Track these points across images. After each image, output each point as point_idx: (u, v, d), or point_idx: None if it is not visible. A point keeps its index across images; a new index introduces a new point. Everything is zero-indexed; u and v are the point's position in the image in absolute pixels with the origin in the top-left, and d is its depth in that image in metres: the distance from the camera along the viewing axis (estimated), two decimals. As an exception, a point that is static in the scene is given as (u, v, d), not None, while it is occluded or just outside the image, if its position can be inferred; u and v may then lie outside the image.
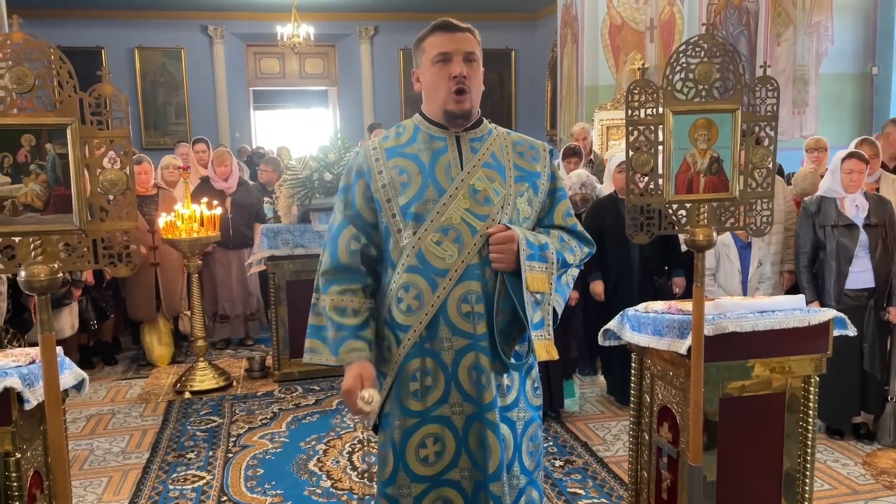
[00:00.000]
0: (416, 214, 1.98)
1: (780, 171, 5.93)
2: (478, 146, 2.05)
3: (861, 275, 4.20)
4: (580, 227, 2.19)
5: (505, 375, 2.04)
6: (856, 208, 4.18)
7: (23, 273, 1.84)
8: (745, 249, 4.61)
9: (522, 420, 2.09)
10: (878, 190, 4.65)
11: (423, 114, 2.10)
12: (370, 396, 1.89)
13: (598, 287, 4.82)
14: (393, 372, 2.03)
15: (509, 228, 1.97)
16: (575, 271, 2.21)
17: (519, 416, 2.08)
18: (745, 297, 4.05)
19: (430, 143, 2.04)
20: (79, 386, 2.46)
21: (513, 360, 2.02)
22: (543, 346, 2.00)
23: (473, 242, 1.96)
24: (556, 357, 2.02)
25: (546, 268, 2.01)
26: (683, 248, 4.71)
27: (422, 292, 1.97)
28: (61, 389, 2.13)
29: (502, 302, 1.98)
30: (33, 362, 2.27)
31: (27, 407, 2.18)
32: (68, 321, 5.31)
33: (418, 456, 2.02)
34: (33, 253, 1.86)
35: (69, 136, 1.84)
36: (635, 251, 4.74)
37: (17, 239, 1.86)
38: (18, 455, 2.19)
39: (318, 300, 2.11)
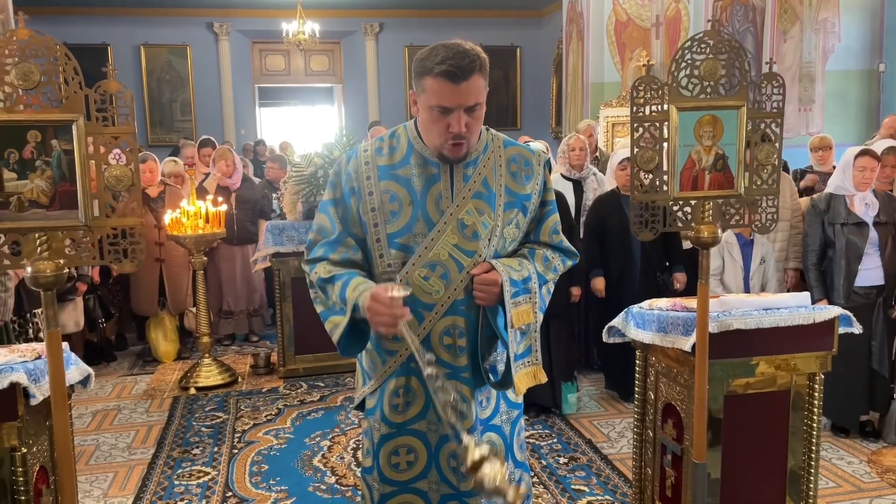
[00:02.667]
0: (402, 245, 1.99)
1: (786, 168, 5.91)
2: (470, 172, 2.01)
3: (870, 272, 4.18)
4: (566, 243, 2.18)
5: (483, 390, 2.08)
6: (865, 206, 4.17)
7: (29, 269, 1.85)
8: (747, 247, 4.60)
9: (508, 422, 2.14)
10: (892, 189, 4.63)
11: (419, 132, 2.02)
12: (399, 288, 1.82)
13: (599, 283, 4.83)
14: (378, 383, 2.07)
15: (493, 267, 1.98)
16: (556, 277, 2.20)
17: (503, 419, 2.13)
18: (749, 294, 4.04)
19: (423, 167, 2.00)
20: (84, 381, 2.47)
21: (493, 380, 2.06)
22: (531, 373, 2.03)
23: (460, 279, 1.98)
24: (545, 380, 2.06)
25: (529, 298, 2.03)
26: (686, 244, 4.70)
27: (408, 323, 1.98)
28: (67, 385, 2.13)
29: (486, 329, 2.02)
30: (39, 357, 2.27)
31: (33, 402, 2.19)
32: (72, 317, 5.30)
33: (390, 462, 2.07)
34: (39, 249, 1.87)
35: (75, 133, 1.84)
36: (637, 247, 4.74)
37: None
38: (24, 450, 2.20)
39: (316, 293, 2.10)
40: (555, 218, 2.16)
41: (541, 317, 2.09)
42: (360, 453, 4.12)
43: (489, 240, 2.00)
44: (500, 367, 2.09)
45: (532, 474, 2.30)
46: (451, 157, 1.97)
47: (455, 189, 2.00)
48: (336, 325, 2.00)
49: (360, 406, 2.18)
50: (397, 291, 1.80)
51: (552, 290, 2.19)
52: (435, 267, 1.97)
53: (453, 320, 1.98)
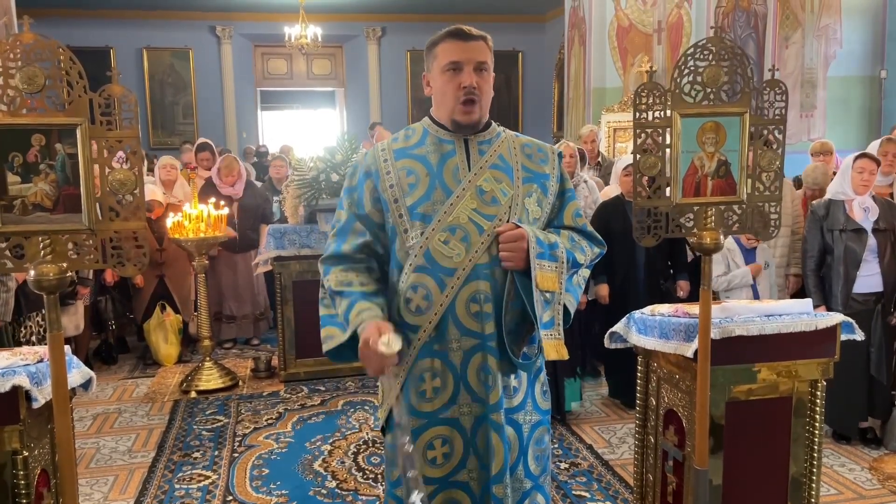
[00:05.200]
0: (423, 215, 1.98)
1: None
2: (485, 149, 2.06)
3: (869, 279, 4.18)
4: (590, 228, 2.18)
5: (512, 377, 2.03)
6: (864, 212, 4.16)
7: (32, 272, 1.85)
8: (749, 252, 4.60)
9: (529, 423, 2.08)
10: (892, 195, 4.63)
11: (433, 117, 2.11)
12: (389, 339, 1.84)
13: (603, 290, 4.81)
14: (403, 373, 2.03)
15: (518, 227, 1.97)
16: (586, 272, 2.20)
17: (525, 418, 2.07)
18: (753, 300, 4.04)
19: (438, 145, 2.05)
20: (86, 385, 2.47)
21: (521, 360, 2.01)
22: (553, 346, 1.98)
23: (481, 241, 1.96)
24: (567, 357, 1.99)
25: (556, 266, 2.00)
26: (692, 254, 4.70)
27: (430, 292, 1.97)
28: (69, 388, 2.13)
29: (512, 302, 1.97)
30: (41, 361, 2.28)
31: (35, 405, 2.19)
32: (72, 321, 5.29)
33: (426, 457, 2.01)
34: (42, 252, 1.87)
35: (79, 136, 1.84)
36: (640, 254, 4.73)
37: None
38: (26, 453, 2.20)
39: (324, 293, 2.12)
40: (576, 203, 2.18)
41: (571, 300, 2.08)
42: (361, 458, 4.11)
43: (510, 207, 2.00)
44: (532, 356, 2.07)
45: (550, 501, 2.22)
46: (465, 122, 2.01)
47: (471, 161, 2.04)
48: (332, 336, 2.05)
49: (383, 429, 2.15)
50: (386, 347, 1.83)
51: (583, 284, 2.18)
52: (455, 230, 1.96)
53: (477, 286, 1.95)
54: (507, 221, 1.99)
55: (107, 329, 5.95)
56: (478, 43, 2.01)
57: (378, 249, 2.08)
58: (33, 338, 4.49)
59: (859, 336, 2.80)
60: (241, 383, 5.53)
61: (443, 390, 2.00)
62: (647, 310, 2.90)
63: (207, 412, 4.95)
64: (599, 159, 7.03)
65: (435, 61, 2.03)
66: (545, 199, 2.09)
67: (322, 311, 2.11)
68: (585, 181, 5.65)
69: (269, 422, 4.75)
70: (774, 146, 2.41)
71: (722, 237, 2.41)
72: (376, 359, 1.86)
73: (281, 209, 6.51)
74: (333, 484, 3.83)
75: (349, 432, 4.52)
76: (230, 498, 3.72)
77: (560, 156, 2.17)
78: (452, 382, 1.99)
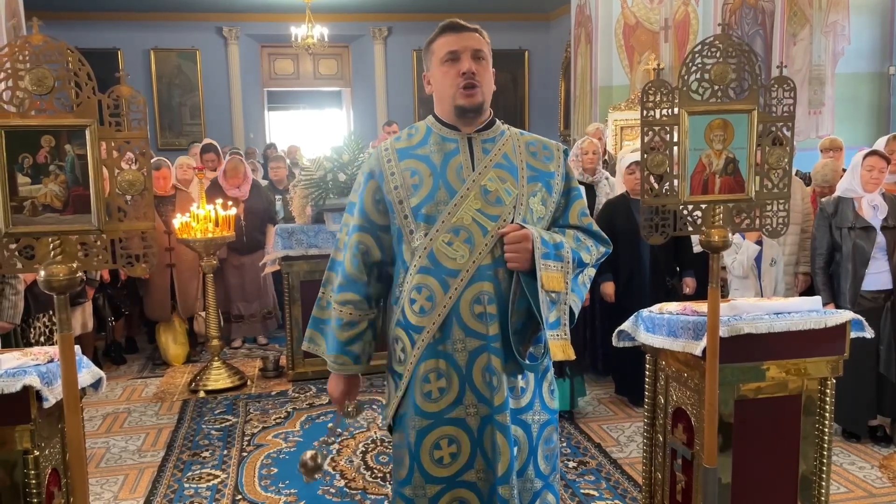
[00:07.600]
0: (427, 216, 1.99)
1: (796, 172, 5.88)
2: (490, 147, 2.05)
3: (878, 276, 4.16)
4: (596, 227, 2.18)
5: (519, 377, 2.03)
6: (873, 209, 4.15)
7: (42, 273, 1.85)
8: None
9: (538, 423, 2.08)
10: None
11: (436, 116, 2.11)
12: (354, 410, 2.24)
13: (608, 288, 4.80)
14: (408, 373, 2.03)
15: (523, 227, 1.96)
16: (592, 271, 2.20)
17: (534, 418, 2.07)
18: (760, 297, 4.02)
19: (441, 144, 2.04)
20: (96, 384, 2.48)
21: (527, 361, 2.01)
22: (560, 346, 1.98)
23: (485, 243, 1.96)
24: (573, 357, 2.00)
25: (561, 266, 2.00)
26: (697, 249, 4.68)
27: (433, 293, 1.98)
28: (79, 388, 2.14)
29: (517, 302, 1.97)
30: (52, 361, 2.29)
31: (46, 405, 2.20)
32: (79, 320, 5.33)
33: (433, 457, 2.02)
34: (52, 253, 1.87)
35: (88, 138, 1.85)
36: (646, 252, 4.71)
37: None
38: (37, 453, 2.20)
39: (324, 294, 2.18)
40: (582, 202, 2.18)
41: (576, 300, 2.08)
42: (369, 457, 4.12)
43: (514, 207, 2.00)
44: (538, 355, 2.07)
45: (559, 499, 2.23)
46: (467, 105, 2.01)
47: (475, 160, 2.04)
48: (317, 346, 2.21)
49: (390, 427, 2.17)
50: (350, 415, 2.27)
51: (588, 284, 2.18)
52: (458, 231, 1.97)
53: (481, 286, 1.96)
54: (512, 222, 1.98)
55: (106, 326, 5.94)
56: (472, 34, 2.05)
57: (375, 256, 2.09)
58: (42, 338, 4.51)
59: (869, 334, 2.79)
60: (249, 383, 5.54)
61: (448, 391, 2.00)
62: (655, 308, 2.89)
63: (216, 412, 4.97)
64: (606, 157, 7.02)
65: (433, 56, 2.06)
66: (550, 197, 2.09)
67: (315, 312, 2.21)
68: (607, 178, 5.64)
69: (278, 421, 4.77)
70: (783, 143, 2.40)
71: (730, 235, 2.40)
72: (339, 409, 2.25)
73: (285, 209, 6.52)
74: (342, 483, 3.84)
75: (357, 431, 4.53)
76: (239, 497, 3.73)
77: (566, 153, 2.17)
78: (458, 383, 2.00)
